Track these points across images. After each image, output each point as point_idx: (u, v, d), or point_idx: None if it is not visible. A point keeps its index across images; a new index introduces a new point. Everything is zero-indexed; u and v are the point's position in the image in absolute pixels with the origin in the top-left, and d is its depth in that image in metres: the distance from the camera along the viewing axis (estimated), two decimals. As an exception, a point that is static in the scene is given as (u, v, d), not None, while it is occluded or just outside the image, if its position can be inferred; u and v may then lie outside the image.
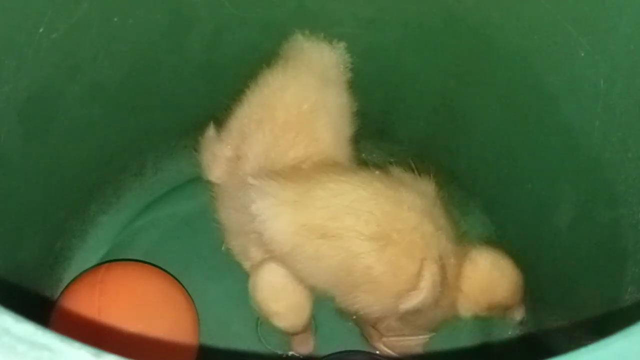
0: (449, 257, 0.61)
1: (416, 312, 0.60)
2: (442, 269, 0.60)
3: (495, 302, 0.65)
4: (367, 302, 0.61)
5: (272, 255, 0.62)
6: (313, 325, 0.73)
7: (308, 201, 0.58)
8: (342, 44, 0.69)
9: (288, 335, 0.71)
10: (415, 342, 0.72)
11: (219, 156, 0.66)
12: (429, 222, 0.60)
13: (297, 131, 0.63)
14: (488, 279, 0.64)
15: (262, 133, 0.64)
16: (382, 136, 0.78)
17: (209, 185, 0.68)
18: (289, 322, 0.67)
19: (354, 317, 0.70)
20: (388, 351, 0.71)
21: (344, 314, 0.70)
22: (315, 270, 0.59)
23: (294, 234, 0.58)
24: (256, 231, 0.59)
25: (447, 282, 0.60)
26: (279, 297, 0.65)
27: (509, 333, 0.74)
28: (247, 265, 0.68)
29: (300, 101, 0.64)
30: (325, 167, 0.62)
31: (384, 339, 0.71)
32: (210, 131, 0.67)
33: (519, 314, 0.68)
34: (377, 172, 0.63)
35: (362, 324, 0.72)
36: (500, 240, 0.66)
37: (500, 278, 0.65)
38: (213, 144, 0.67)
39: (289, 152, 0.63)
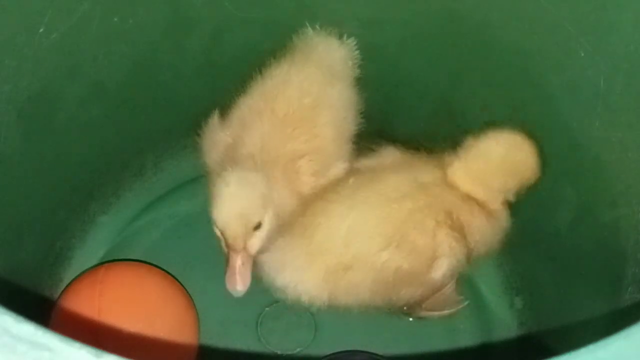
0: (457, 204, 0.62)
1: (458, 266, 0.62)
2: (454, 221, 0.61)
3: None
4: (414, 292, 0.63)
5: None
6: (312, 320, 0.73)
7: (316, 248, 0.60)
8: (352, 40, 0.69)
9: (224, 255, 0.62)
10: (448, 291, 0.73)
11: (218, 142, 0.66)
12: (419, 193, 0.61)
13: (295, 125, 0.64)
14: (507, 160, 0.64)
15: (260, 123, 0.64)
16: (382, 136, 0.78)
17: (204, 167, 0.68)
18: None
19: (405, 308, 0.71)
20: (434, 314, 0.73)
21: (395, 311, 0.71)
22: (357, 296, 0.61)
23: (324, 282, 0.60)
24: (292, 298, 0.61)
25: (465, 227, 0.62)
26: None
27: (509, 333, 0.74)
28: None
29: (302, 95, 0.64)
30: (310, 205, 0.62)
31: (424, 305, 0.72)
32: (215, 118, 0.68)
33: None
34: (350, 181, 0.63)
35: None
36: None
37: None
38: (215, 130, 0.67)
39: (287, 144, 0.63)
